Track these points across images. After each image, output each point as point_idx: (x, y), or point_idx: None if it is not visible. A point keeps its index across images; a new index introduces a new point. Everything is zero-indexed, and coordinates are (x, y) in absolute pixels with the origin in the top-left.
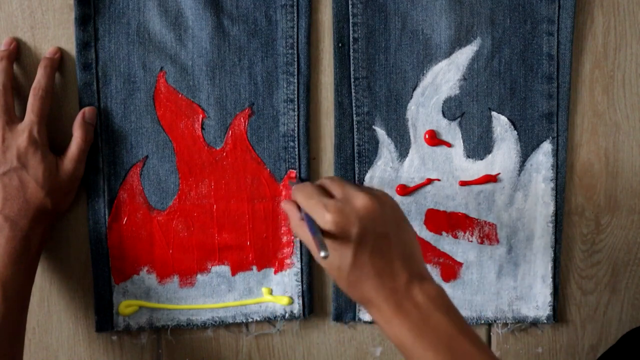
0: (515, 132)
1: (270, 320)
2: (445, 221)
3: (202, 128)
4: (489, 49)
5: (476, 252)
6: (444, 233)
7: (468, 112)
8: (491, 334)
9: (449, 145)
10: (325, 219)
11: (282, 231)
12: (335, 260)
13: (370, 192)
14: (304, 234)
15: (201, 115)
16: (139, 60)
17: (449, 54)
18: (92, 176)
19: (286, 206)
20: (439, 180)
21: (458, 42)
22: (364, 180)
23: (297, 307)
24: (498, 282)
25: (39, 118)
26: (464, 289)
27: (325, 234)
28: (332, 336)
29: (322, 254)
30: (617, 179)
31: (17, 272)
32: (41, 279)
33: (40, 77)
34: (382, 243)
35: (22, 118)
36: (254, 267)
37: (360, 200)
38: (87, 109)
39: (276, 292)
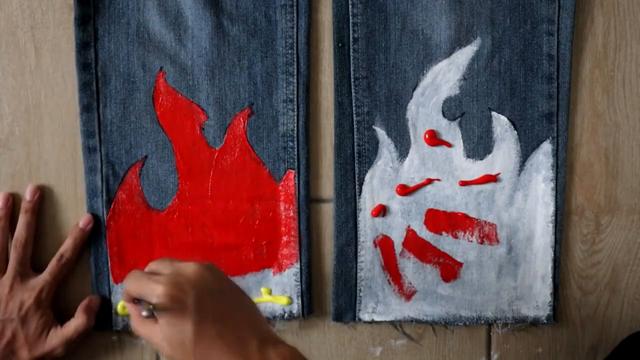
0: (515, 132)
1: (269, 320)
2: (445, 221)
3: (202, 128)
4: (489, 49)
5: (476, 252)
6: (444, 233)
7: (468, 112)
8: (491, 334)
9: (449, 145)
10: (157, 293)
11: (281, 231)
12: (175, 335)
13: (202, 263)
14: (146, 330)
15: (201, 115)
16: (138, 60)
17: (449, 54)
18: (90, 176)
19: (127, 307)
20: (439, 180)
21: (458, 42)
22: (364, 180)
23: (296, 307)
24: (498, 282)
25: (53, 280)
26: (464, 289)
27: (160, 311)
28: (332, 336)
29: (144, 312)
30: (617, 179)
31: None
32: None
33: (68, 245)
34: (223, 309)
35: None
36: (253, 267)
37: (190, 268)
38: (93, 298)
39: (275, 292)
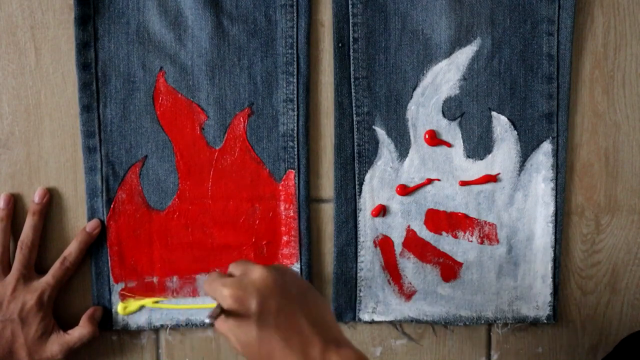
0: (515, 132)
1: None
2: (445, 221)
3: (202, 128)
4: (489, 49)
5: (476, 252)
6: (444, 233)
7: (468, 112)
8: (491, 334)
9: (449, 145)
10: (223, 295)
11: (282, 231)
12: (241, 336)
13: (269, 265)
14: (223, 328)
15: (201, 115)
16: (138, 60)
17: (449, 54)
18: (90, 176)
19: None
20: (439, 180)
21: (458, 42)
22: (364, 180)
23: None
24: (498, 282)
25: (55, 283)
26: (464, 289)
27: (227, 313)
28: None
29: (207, 319)
30: (617, 179)
31: None
32: None
33: (73, 248)
34: (288, 312)
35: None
36: None
37: (256, 272)
38: (98, 308)
39: None
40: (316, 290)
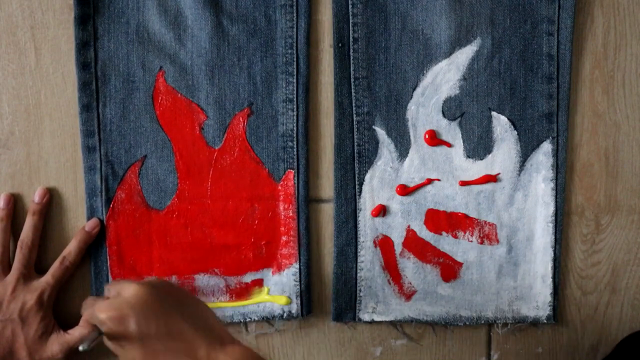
0: (515, 132)
1: (268, 320)
2: (445, 221)
3: (201, 128)
4: (489, 49)
5: (476, 252)
6: (444, 233)
7: (468, 112)
8: (491, 334)
9: (449, 145)
10: (100, 319)
11: (281, 231)
12: (127, 356)
13: (144, 281)
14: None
15: (200, 115)
16: (138, 59)
17: (449, 54)
18: (90, 175)
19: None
20: (439, 180)
21: (458, 42)
22: (364, 180)
23: (295, 307)
24: (498, 282)
25: (55, 283)
26: (464, 289)
27: (109, 336)
28: (332, 336)
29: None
30: (617, 179)
31: None
32: None
33: (72, 248)
34: (168, 323)
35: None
36: (253, 267)
37: (129, 290)
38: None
39: (274, 291)
40: (195, 296)
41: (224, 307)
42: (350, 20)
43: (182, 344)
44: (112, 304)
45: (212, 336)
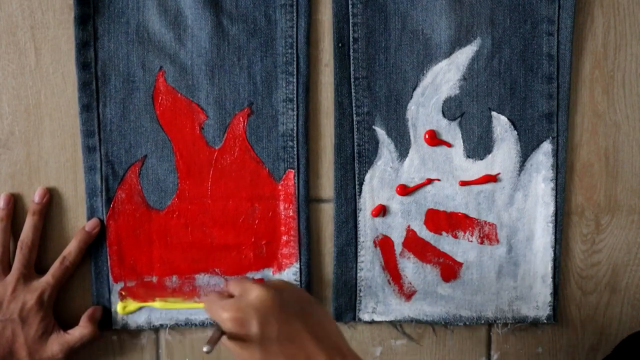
0: (515, 132)
1: None
2: (445, 221)
3: (201, 127)
4: (489, 49)
5: (476, 252)
6: (444, 233)
7: (468, 112)
8: (491, 334)
9: (449, 145)
10: (223, 318)
11: (281, 231)
12: (245, 358)
13: (268, 283)
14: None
15: (200, 115)
16: (138, 59)
17: (449, 54)
18: (90, 175)
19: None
20: (439, 180)
21: (458, 42)
22: (364, 180)
23: None
24: (498, 282)
25: (55, 283)
26: (464, 289)
27: (230, 336)
28: None
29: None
30: (617, 179)
31: None
32: None
33: (72, 248)
34: (289, 329)
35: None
36: (253, 267)
37: (254, 293)
38: (97, 308)
39: None
40: (316, 301)
41: None
42: (350, 20)
43: (302, 353)
44: (237, 305)
45: (331, 346)
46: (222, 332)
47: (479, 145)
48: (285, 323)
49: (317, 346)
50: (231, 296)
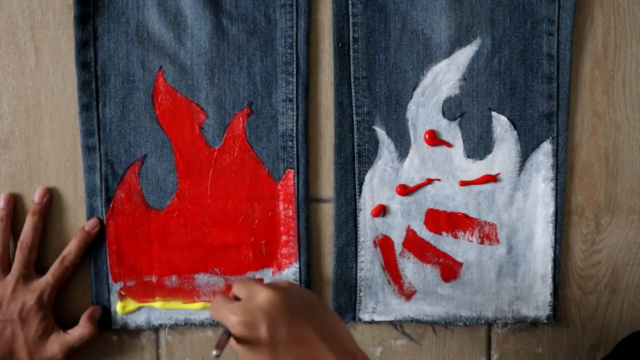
0: (515, 132)
1: None
2: (445, 221)
3: (201, 127)
4: (489, 49)
5: (476, 252)
6: (444, 233)
7: (468, 112)
8: (491, 334)
9: (449, 145)
10: (231, 322)
11: (281, 231)
12: None
13: (275, 284)
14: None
15: (200, 115)
16: (138, 59)
17: (449, 54)
18: (89, 175)
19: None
20: (439, 180)
21: (458, 42)
22: (364, 180)
23: None
24: (498, 282)
25: (55, 283)
26: (464, 289)
27: (239, 339)
28: None
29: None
30: (617, 179)
31: None
32: None
33: (72, 247)
34: (298, 331)
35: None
36: (252, 267)
37: (262, 295)
38: (97, 308)
39: None
40: (323, 303)
41: None
42: (350, 20)
43: (311, 354)
44: (245, 308)
45: (340, 347)
46: (229, 335)
47: (479, 145)
48: (295, 325)
49: (327, 348)
50: (237, 298)
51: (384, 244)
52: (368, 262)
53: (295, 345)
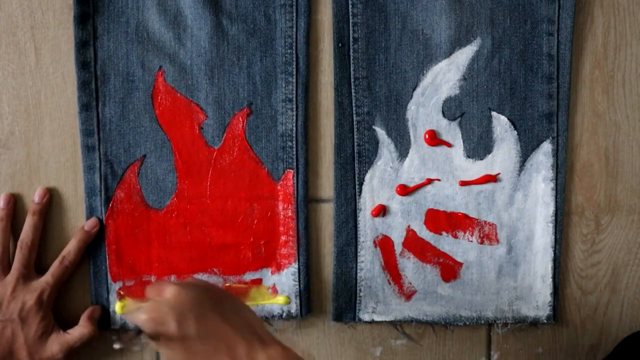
0: (515, 132)
1: (267, 320)
2: (445, 221)
3: (201, 127)
4: (489, 49)
5: (476, 252)
6: (444, 233)
7: (468, 112)
8: (491, 334)
9: (449, 145)
10: (142, 320)
11: (280, 231)
12: (170, 356)
13: (181, 283)
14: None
15: (200, 115)
16: (137, 59)
17: (449, 54)
18: (89, 175)
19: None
20: (439, 180)
21: (458, 42)
22: (364, 180)
23: (294, 307)
24: (498, 282)
25: (55, 282)
26: (464, 289)
27: (150, 336)
28: (332, 336)
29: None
30: (617, 179)
31: None
32: None
33: (72, 247)
34: (207, 323)
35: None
36: (252, 267)
37: (169, 292)
38: (96, 308)
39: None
40: (233, 296)
41: None
42: (350, 20)
43: (222, 344)
44: (153, 306)
45: (252, 336)
46: (140, 333)
47: (479, 145)
48: (203, 318)
49: (236, 335)
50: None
51: (384, 244)
52: (368, 262)
53: (206, 337)
